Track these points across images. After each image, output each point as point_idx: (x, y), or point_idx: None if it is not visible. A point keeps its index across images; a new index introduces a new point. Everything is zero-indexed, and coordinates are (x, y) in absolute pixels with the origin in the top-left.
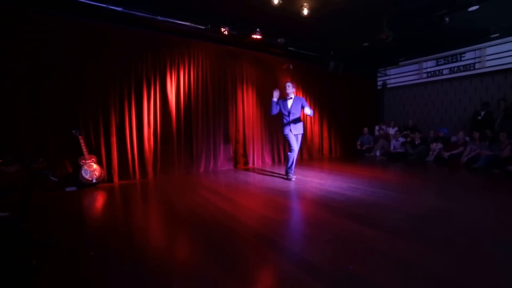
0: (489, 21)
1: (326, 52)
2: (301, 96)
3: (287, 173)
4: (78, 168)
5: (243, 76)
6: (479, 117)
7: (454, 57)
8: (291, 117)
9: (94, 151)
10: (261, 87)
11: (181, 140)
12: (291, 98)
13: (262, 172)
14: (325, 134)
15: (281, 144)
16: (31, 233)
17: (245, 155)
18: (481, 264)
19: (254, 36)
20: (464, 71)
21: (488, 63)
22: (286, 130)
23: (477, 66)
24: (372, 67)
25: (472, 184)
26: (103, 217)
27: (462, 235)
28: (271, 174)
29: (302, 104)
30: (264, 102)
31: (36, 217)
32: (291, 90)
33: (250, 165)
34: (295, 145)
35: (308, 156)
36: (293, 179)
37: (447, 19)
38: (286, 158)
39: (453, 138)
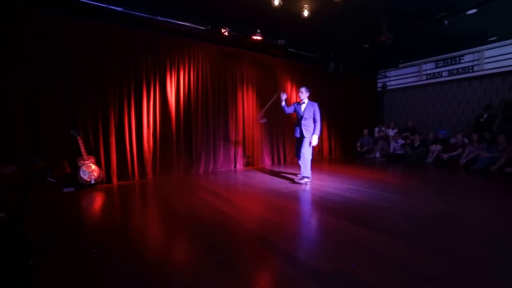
0: (487, 24)
1: (326, 53)
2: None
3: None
4: (76, 168)
5: (243, 77)
6: (482, 120)
7: (453, 60)
8: (303, 121)
9: (93, 152)
10: (261, 88)
11: (181, 141)
12: (304, 102)
13: (261, 173)
14: (325, 136)
15: (280, 145)
16: (27, 234)
17: (245, 156)
18: (480, 267)
19: (255, 37)
20: (463, 73)
21: (486, 66)
22: (297, 133)
23: (475, 68)
24: (372, 69)
25: (470, 186)
26: (101, 218)
27: (460, 237)
28: (270, 175)
29: (314, 111)
30: (264, 103)
31: (33, 218)
32: (304, 96)
33: (250, 166)
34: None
35: None
36: (303, 183)
37: (446, 22)
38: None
39: (452, 140)
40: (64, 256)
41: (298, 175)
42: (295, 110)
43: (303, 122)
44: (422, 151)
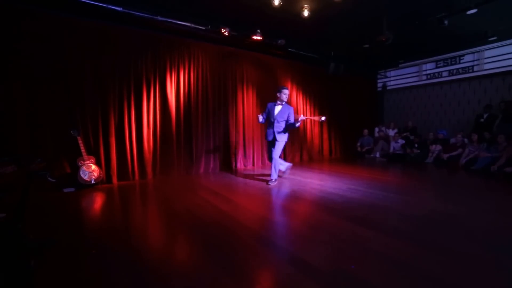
0: (487, 24)
1: (326, 53)
2: (301, 97)
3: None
4: (76, 169)
5: (243, 77)
6: (482, 120)
7: (453, 60)
8: (276, 124)
9: (93, 152)
10: (261, 88)
11: (181, 141)
12: (281, 104)
13: (262, 173)
14: (325, 136)
15: None
16: (27, 234)
17: (245, 156)
18: (480, 266)
19: (255, 37)
20: (463, 73)
21: (486, 66)
22: (269, 136)
23: (475, 68)
24: (372, 69)
25: (470, 186)
26: (101, 218)
27: (460, 237)
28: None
29: (288, 115)
30: (264, 103)
31: (33, 218)
32: (286, 98)
33: (250, 166)
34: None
35: (308, 158)
36: (271, 184)
37: (446, 22)
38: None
39: (452, 140)
40: (64, 256)
41: (270, 181)
42: (268, 113)
43: (276, 124)
44: (421, 153)
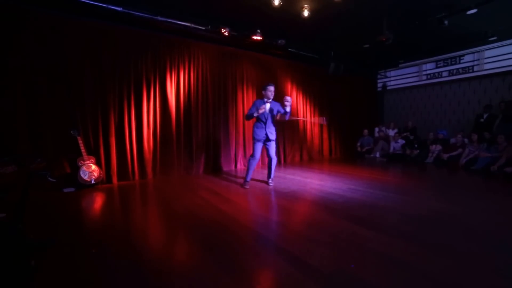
0: (487, 24)
1: (326, 53)
2: (301, 97)
3: (245, 181)
4: (76, 169)
5: (243, 77)
6: (482, 120)
7: (453, 60)
8: (268, 123)
9: (93, 152)
10: (261, 88)
11: (181, 141)
12: (269, 102)
13: (261, 173)
14: (325, 136)
15: (281, 145)
16: (27, 234)
17: (245, 156)
18: (480, 266)
19: (255, 37)
20: (463, 73)
21: (486, 66)
22: (261, 135)
23: (475, 68)
24: (372, 69)
25: (470, 186)
26: (101, 218)
27: (461, 237)
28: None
29: (278, 110)
30: None
31: (33, 218)
32: (271, 95)
33: None
34: (259, 153)
35: (308, 158)
36: (247, 187)
37: (446, 22)
38: (248, 164)
39: (452, 140)
40: (64, 256)
41: (270, 180)
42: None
43: (268, 123)
44: (422, 151)
